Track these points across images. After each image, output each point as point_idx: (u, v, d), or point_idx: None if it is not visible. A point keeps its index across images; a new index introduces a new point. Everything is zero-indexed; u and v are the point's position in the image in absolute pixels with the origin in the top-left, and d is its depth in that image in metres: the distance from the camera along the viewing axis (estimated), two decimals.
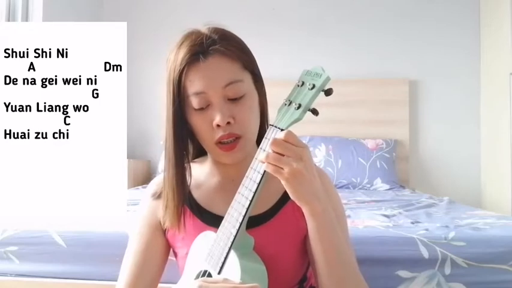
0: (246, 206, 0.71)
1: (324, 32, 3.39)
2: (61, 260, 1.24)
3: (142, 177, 3.29)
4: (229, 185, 0.87)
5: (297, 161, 0.67)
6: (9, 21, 2.71)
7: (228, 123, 0.79)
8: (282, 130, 0.70)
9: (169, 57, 0.84)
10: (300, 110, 0.71)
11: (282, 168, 0.67)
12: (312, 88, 0.70)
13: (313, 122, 3.12)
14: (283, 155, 0.67)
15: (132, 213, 1.61)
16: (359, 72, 3.31)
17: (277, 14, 3.39)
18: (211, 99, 0.79)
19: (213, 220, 0.84)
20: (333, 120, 3.21)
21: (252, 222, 0.81)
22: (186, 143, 0.86)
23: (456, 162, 3.18)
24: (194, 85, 0.79)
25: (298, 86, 0.73)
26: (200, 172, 0.91)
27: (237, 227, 0.71)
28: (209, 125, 0.80)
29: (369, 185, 2.84)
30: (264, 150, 0.71)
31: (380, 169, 2.89)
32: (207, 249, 0.76)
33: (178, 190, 0.84)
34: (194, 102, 0.80)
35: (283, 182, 0.69)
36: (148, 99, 3.51)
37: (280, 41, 3.43)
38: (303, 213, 0.75)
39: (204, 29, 0.83)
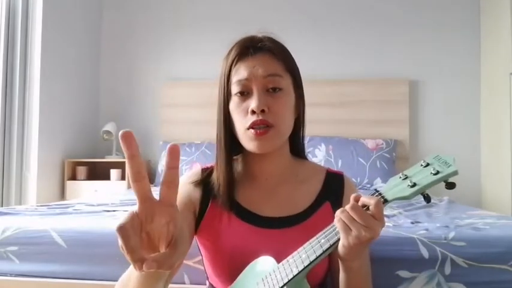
0: (318, 253, 0.71)
1: (324, 32, 3.39)
2: (61, 260, 1.24)
3: None
4: (263, 183, 0.93)
5: (367, 231, 0.68)
6: (9, 21, 2.71)
7: (263, 111, 0.84)
8: (385, 201, 0.70)
9: (224, 57, 0.92)
10: (412, 189, 0.68)
11: (350, 230, 0.69)
12: (435, 174, 0.67)
13: (313, 122, 3.12)
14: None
15: None
16: (359, 72, 3.31)
17: (277, 14, 3.40)
18: (252, 87, 0.86)
19: (248, 215, 0.88)
20: (333, 120, 3.21)
21: (287, 221, 0.87)
22: (233, 131, 0.90)
23: (456, 162, 3.18)
24: (239, 73, 0.87)
25: (421, 165, 0.70)
26: (235, 169, 0.94)
27: (300, 269, 0.71)
28: (245, 111, 0.86)
29: (369, 185, 2.84)
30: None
31: (380, 169, 2.89)
32: (264, 273, 0.77)
33: (228, 172, 0.89)
34: (236, 88, 0.87)
35: (342, 239, 0.70)
36: (149, 99, 3.51)
37: (280, 41, 3.43)
38: None
39: (256, 34, 0.92)
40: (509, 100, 2.77)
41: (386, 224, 1.31)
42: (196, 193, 0.92)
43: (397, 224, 1.32)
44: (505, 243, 1.11)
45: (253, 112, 0.84)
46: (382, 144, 3.02)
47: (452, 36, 3.29)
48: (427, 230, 1.20)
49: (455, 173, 0.67)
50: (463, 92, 3.26)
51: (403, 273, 1.08)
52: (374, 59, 3.34)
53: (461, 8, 3.30)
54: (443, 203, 1.96)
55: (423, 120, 3.29)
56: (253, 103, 0.84)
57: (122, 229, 0.49)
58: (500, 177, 2.89)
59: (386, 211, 1.64)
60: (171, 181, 0.52)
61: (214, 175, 0.92)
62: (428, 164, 0.69)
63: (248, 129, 0.85)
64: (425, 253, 1.09)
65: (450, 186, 0.67)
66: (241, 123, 0.86)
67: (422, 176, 0.68)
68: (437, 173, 0.67)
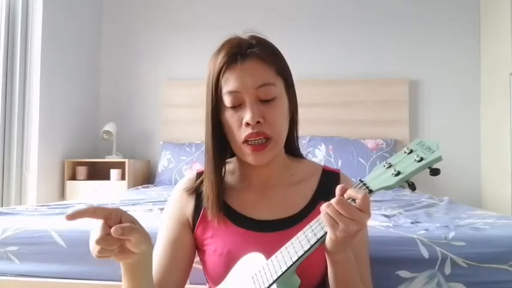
0: (305, 248, 0.70)
1: (324, 32, 3.39)
2: (61, 260, 1.24)
3: (142, 177, 3.29)
4: (259, 186, 0.91)
5: (354, 224, 0.67)
6: (9, 21, 2.71)
7: (258, 122, 0.82)
8: (370, 191, 0.69)
9: (210, 60, 0.88)
10: (397, 178, 0.67)
11: (337, 224, 0.68)
12: (419, 161, 0.65)
13: (313, 122, 3.15)
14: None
15: (132, 213, 1.62)
16: (359, 72, 3.31)
17: (276, 14, 3.40)
18: (244, 99, 0.83)
19: (242, 220, 0.87)
20: (333, 120, 3.21)
21: (282, 224, 0.85)
22: (223, 139, 0.88)
23: (456, 162, 3.18)
24: (229, 84, 0.83)
25: (405, 152, 0.68)
26: (227, 172, 0.93)
27: (289, 265, 0.70)
28: (239, 124, 0.83)
29: None
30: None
31: None
32: (253, 270, 0.77)
33: (217, 184, 0.87)
34: (227, 100, 0.83)
35: (330, 233, 0.69)
36: (149, 99, 3.51)
37: (280, 42, 3.43)
38: None
39: (243, 35, 0.88)
40: (509, 100, 2.77)
41: (386, 223, 1.32)
42: (190, 203, 0.92)
43: (397, 224, 1.32)
44: (505, 243, 1.11)
45: (247, 124, 0.81)
46: (382, 144, 3.02)
47: (453, 36, 3.29)
48: (427, 230, 1.20)
49: (439, 158, 0.65)
50: (463, 92, 3.26)
51: (403, 273, 1.08)
52: (374, 59, 3.34)
53: (461, 8, 3.30)
54: (444, 203, 1.96)
55: (423, 120, 3.29)
56: (247, 116, 0.81)
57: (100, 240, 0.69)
58: (500, 177, 2.89)
59: (386, 211, 1.64)
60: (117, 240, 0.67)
61: (204, 189, 0.89)
62: (411, 151, 0.68)
63: (243, 143, 0.83)
64: (425, 253, 1.09)
65: (435, 172, 0.65)
66: (236, 135, 0.84)
67: (406, 163, 0.67)
68: (421, 159, 0.65)
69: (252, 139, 0.82)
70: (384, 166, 0.70)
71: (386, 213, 1.56)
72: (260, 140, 0.82)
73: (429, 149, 0.67)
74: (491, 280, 1.07)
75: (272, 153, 0.85)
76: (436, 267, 1.08)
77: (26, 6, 2.76)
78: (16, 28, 2.73)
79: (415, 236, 1.13)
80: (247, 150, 0.83)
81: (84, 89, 3.38)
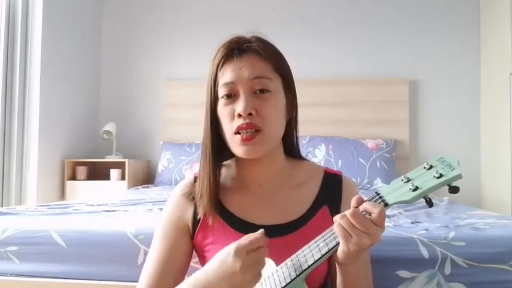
0: (316, 257, 0.70)
1: (324, 32, 3.39)
2: (61, 260, 1.24)
3: (142, 177, 3.29)
4: (257, 190, 0.90)
5: (368, 238, 0.67)
6: (9, 21, 2.71)
7: (250, 114, 0.81)
8: (386, 204, 0.69)
9: (211, 60, 0.89)
10: (414, 193, 0.66)
11: (351, 236, 0.67)
12: (438, 177, 0.65)
13: (313, 122, 3.15)
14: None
15: (132, 213, 1.62)
16: (359, 72, 3.31)
17: (277, 14, 3.40)
18: (239, 90, 0.83)
19: (242, 225, 0.86)
20: (333, 120, 3.21)
21: (283, 229, 0.84)
22: (221, 139, 0.87)
23: (460, 164, 3.17)
24: (225, 76, 0.84)
25: (424, 168, 0.68)
26: (226, 175, 0.92)
27: (298, 273, 0.70)
28: (232, 115, 0.83)
29: (368, 185, 2.84)
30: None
31: (380, 169, 2.89)
32: (263, 276, 0.75)
33: (214, 179, 0.86)
34: (222, 91, 0.84)
35: (342, 245, 0.69)
36: (149, 99, 3.51)
37: (280, 41, 3.42)
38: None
39: (244, 34, 0.89)
40: (509, 100, 2.77)
41: (386, 224, 1.32)
42: (189, 209, 0.90)
43: (397, 224, 1.32)
44: (505, 243, 1.11)
45: (239, 116, 0.81)
46: (382, 144, 3.02)
47: (452, 36, 3.29)
48: (427, 230, 1.20)
49: (459, 176, 0.65)
50: (463, 92, 3.26)
51: (403, 273, 1.08)
52: (374, 59, 3.34)
53: (461, 8, 3.30)
54: (444, 203, 1.96)
55: (423, 120, 3.29)
56: (239, 107, 0.81)
57: None
58: (500, 177, 2.89)
59: (387, 211, 1.64)
60: None
61: (197, 185, 0.88)
62: (431, 167, 0.67)
63: (235, 134, 0.82)
64: (425, 253, 1.09)
65: (453, 190, 0.65)
66: (228, 127, 0.83)
67: (424, 179, 0.66)
68: (441, 176, 0.65)
69: (243, 130, 0.81)
70: (402, 180, 0.69)
71: (386, 214, 1.56)
72: (250, 132, 0.81)
73: (449, 166, 0.66)
74: (491, 280, 1.07)
75: (262, 147, 0.83)
76: (436, 267, 1.08)
77: (26, 7, 2.76)
78: (16, 28, 2.73)
79: (415, 236, 1.13)
80: (237, 140, 0.82)
81: (84, 89, 3.38)
